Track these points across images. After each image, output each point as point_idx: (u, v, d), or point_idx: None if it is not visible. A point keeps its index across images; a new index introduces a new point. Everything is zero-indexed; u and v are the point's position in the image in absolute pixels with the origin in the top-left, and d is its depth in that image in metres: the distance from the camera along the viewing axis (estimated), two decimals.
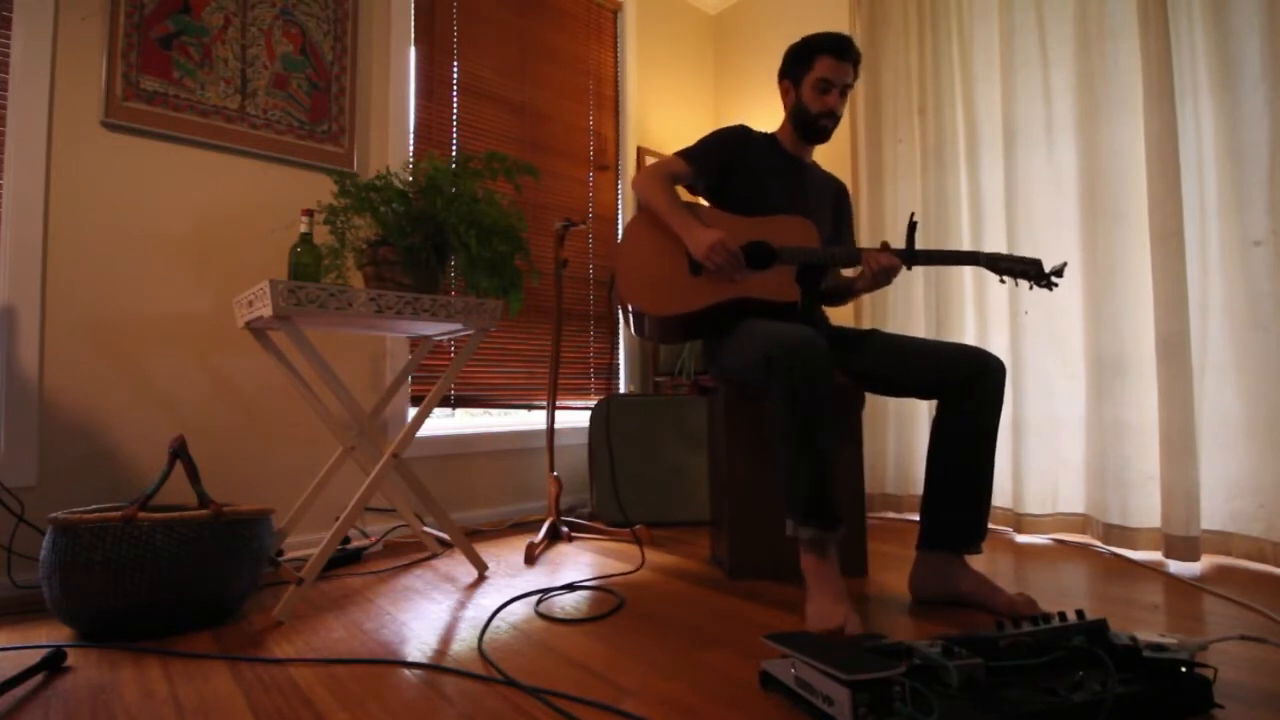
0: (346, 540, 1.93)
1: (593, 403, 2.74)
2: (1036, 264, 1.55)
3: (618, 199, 3.07)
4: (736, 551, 1.71)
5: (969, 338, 2.41)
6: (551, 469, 2.22)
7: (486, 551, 2.04)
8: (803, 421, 1.35)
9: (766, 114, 3.09)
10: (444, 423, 2.50)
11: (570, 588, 1.64)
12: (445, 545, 2.06)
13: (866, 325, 2.63)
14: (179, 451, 1.47)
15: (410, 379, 2.31)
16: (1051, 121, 2.21)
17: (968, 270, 2.42)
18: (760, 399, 1.74)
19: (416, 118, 2.43)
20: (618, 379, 3.02)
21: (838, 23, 2.79)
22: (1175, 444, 1.82)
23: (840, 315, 2.41)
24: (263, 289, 1.45)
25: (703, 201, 1.81)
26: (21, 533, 1.62)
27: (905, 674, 0.88)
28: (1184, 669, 0.94)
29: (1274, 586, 1.59)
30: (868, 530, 1.80)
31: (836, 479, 1.39)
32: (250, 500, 1.96)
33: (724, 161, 1.74)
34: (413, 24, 2.42)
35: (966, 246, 2.41)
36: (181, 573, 1.34)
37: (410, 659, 1.19)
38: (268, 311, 1.44)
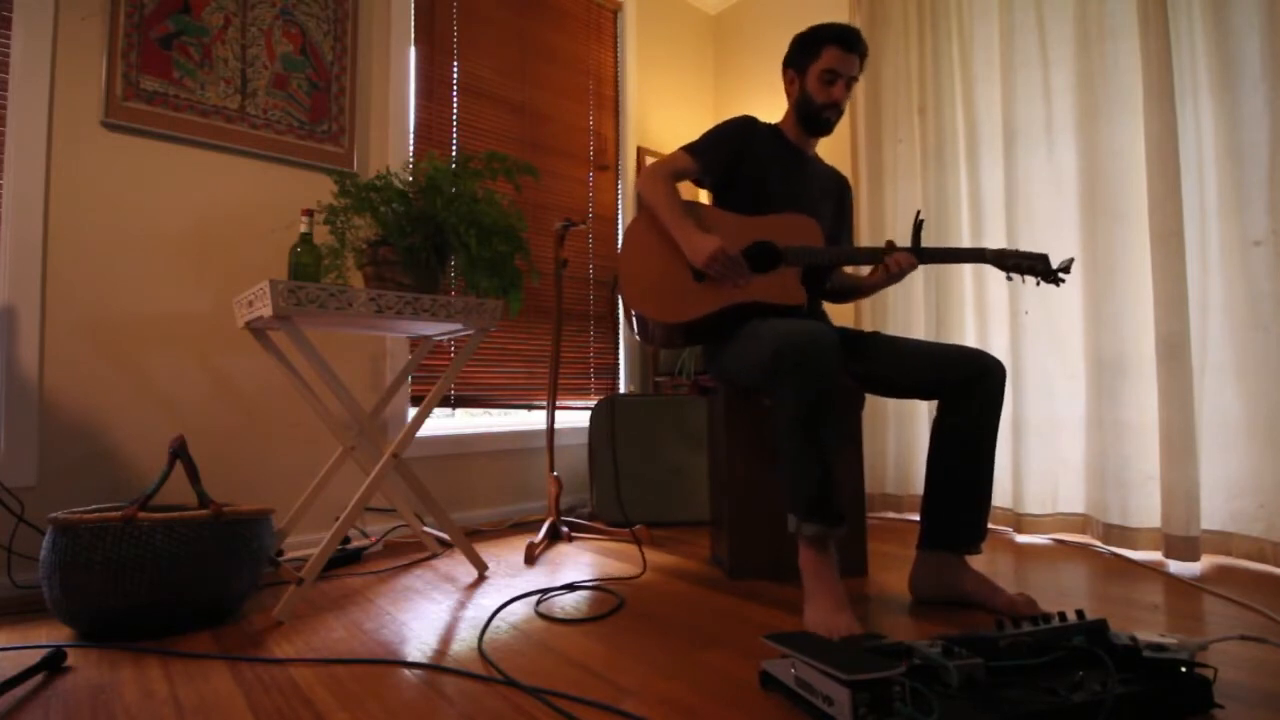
0: (346, 540, 1.93)
1: (593, 403, 2.74)
2: (1044, 259, 1.55)
3: (618, 199, 3.07)
4: (736, 551, 1.71)
5: (969, 338, 2.41)
6: (551, 469, 2.22)
7: (486, 551, 2.04)
8: (810, 416, 1.34)
9: (766, 114, 3.05)
10: (444, 423, 2.50)
11: (570, 588, 1.64)
12: (445, 545, 2.06)
13: (867, 326, 2.63)
14: (179, 451, 1.47)
15: (410, 379, 2.31)
16: (1051, 121, 2.21)
17: (968, 270, 2.42)
18: (762, 399, 1.74)
19: (416, 118, 2.43)
20: (618, 379, 3.02)
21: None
22: (1175, 444, 1.82)
23: (841, 316, 2.41)
24: (263, 289, 1.45)
25: (704, 197, 1.81)
26: (21, 533, 1.62)
27: (905, 674, 0.88)
28: (1184, 669, 0.94)
29: (1274, 586, 1.59)
30: (868, 530, 1.80)
31: (837, 478, 1.38)
32: (250, 500, 1.96)
33: (730, 154, 1.72)
34: (413, 24, 2.42)
35: (967, 246, 2.41)
36: (181, 573, 1.34)
37: (410, 659, 1.19)
38: (268, 311, 1.44)
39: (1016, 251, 1.57)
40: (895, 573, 1.75)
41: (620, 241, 2.64)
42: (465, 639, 1.30)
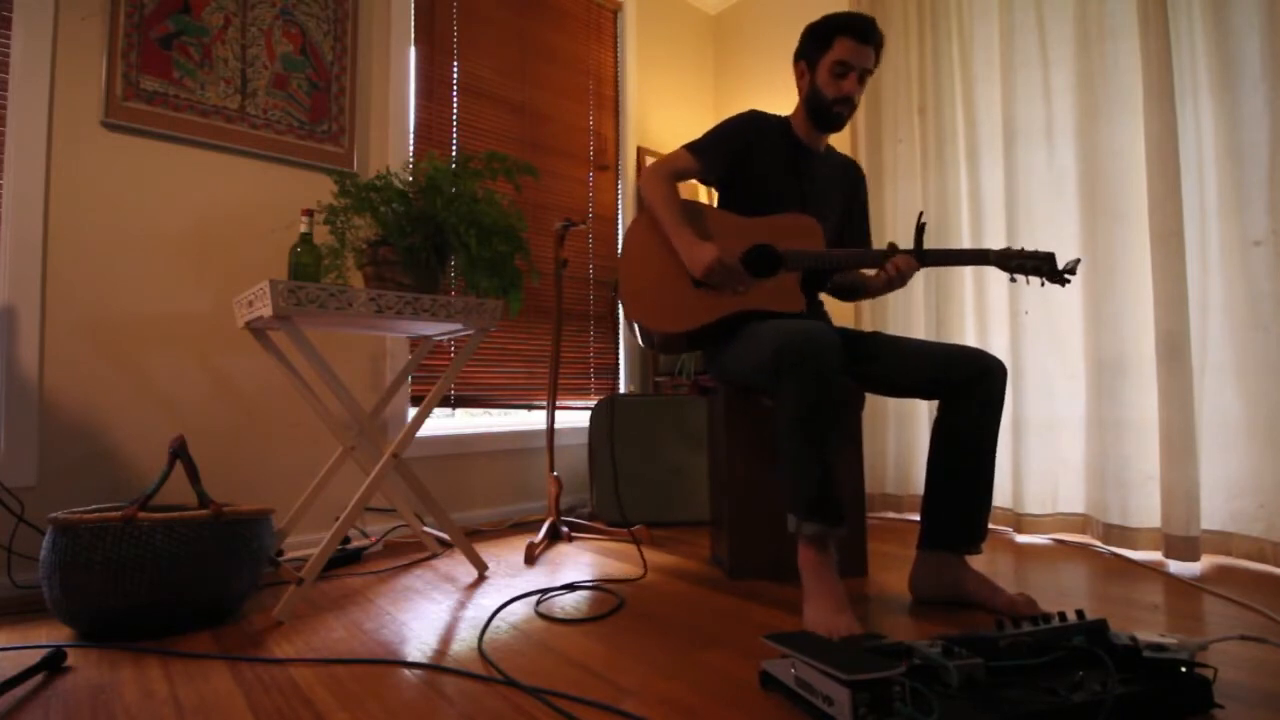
0: (346, 540, 1.93)
1: (593, 403, 2.74)
2: (1050, 258, 1.51)
3: (618, 199, 3.07)
4: (736, 551, 1.71)
5: (969, 338, 2.41)
6: (551, 469, 2.22)
7: (486, 551, 2.04)
8: (811, 416, 1.34)
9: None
10: (444, 423, 2.50)
11: (570, 588, 1.64)
12: (445, 545, 2.06)
13: (867, 327, 2.63)
14: (179, 451, 1.47)
15: (410, 379, 2.31)
16: (1051, 121, 2.21)
17: (968, 270, 2.42)
18: (762, 399, 1.74)
19: (416, 118, 2.43)
20: (618, 379, 3.02)
21: None
22: (1175, 444, 1.82)
23: (841, 316, 2.41)
24: (263, 289, 1.45)
25: (703, 194, 1.79)
26: (21, 533, 1.62)
27: (905, 674, 0.88)
28: (1184, 669, 0.94)
29: (1274, 586, 1.59)
30: (868, 530, 1.80)
31: (838, 477, 1.38)
32: (250, 500, 1.96)
33: (732, 153, 1.69)
34: (413, 24, 2.42)
35: (967, 247, 2.41)
36: (181, 573, 1.34)
37: (410, 659, 1.19)
38: (268, 311, 1.44)
39: (1021, 251, 1.53)
40: (895, 573, 1.75)
41: (621, 243, 2.64)
42: (465, 639, 1.30)
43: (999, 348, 2.31)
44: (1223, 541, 1.83)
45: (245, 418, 1.98)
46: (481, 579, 1.73)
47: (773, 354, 1.37)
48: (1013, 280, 1.61)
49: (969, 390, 1.48)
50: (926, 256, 1.58)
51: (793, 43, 1.73)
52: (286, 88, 2.09)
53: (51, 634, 1.36)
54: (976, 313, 2.40)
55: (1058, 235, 2.18)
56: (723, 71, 3.49)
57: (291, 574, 1.53)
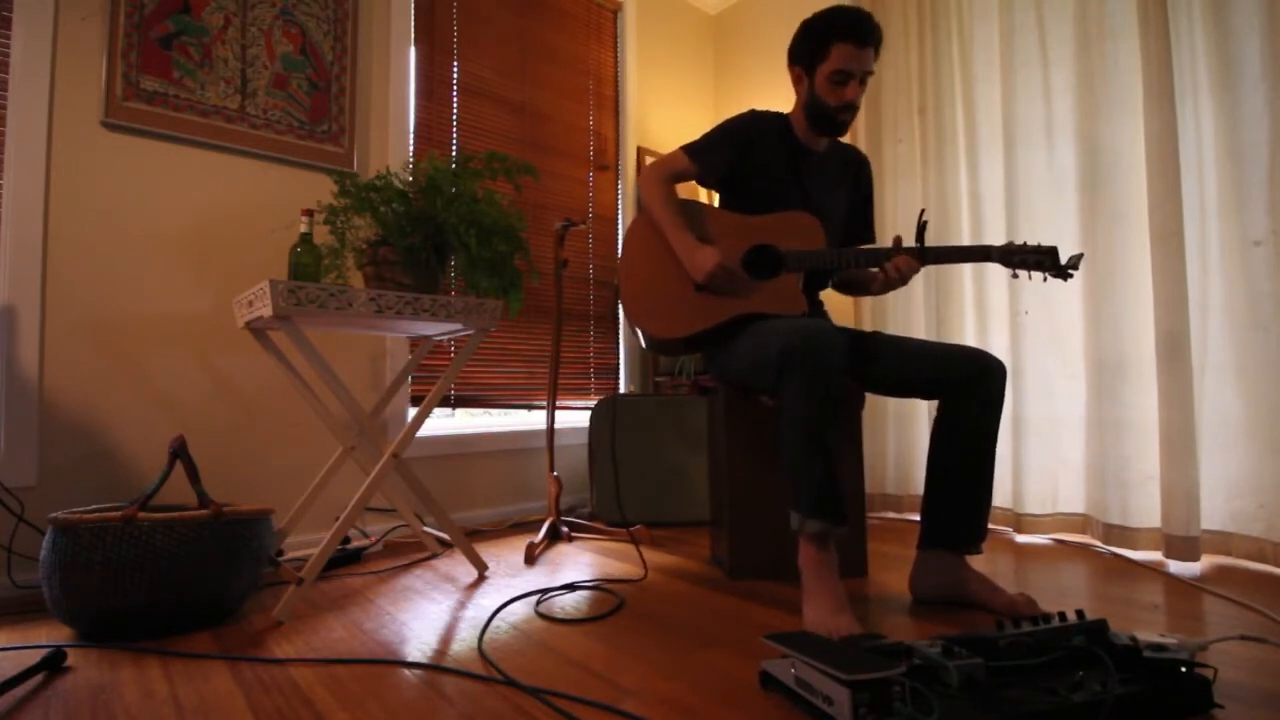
0: (346, 540, 1.93)
1: (593, 403, 2.74)
2: (1052, 253, 1.50)
3: (618, 199, 3.07)
4: (736, 551, 1.71)
5: (969, 338, 2.41)
6: (551, 469, 2.22)
7: (486, 551, 2.03)
8: (816, 414, 1.34)
9: None
10: (444, 423, 2.50)
11: (570, 588, 1.63)
12: (445, 545, 2.06)
13: (867, 326, 2.63)
14: (179, 451, 1.47)
15: (410, 379, 2.31)
16: (1051, 121, 2.21)
17: (968, 269, 2.42)
18: (763, 398, 1.74)
19: (416, 118, 2.43)
20: (618, 379, 3.02)
21: None
22: (1175, 444, 1.82)
23: (841, 316, 2.41)
24: (263, 289, 1.45)
25: (703, 194, 1.78)
26: (21, 533, 1.62)
27: (905, 674, 0.88)
28: (1184, 669, 0.94)
29: (1274, 586, 1.59)
30: (868, 530, 1.80)
31: (840, 475, 1.38)
32: (250, 500, 1.96)
33: (730, 156, 1.68)
34: (413, 24, 2.42)
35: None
36: (181, 573, 1.34)
37: (410, 659, 1.19)
38: (268, 311, 1.44)
39: (1024, 246, 1.51)
40: (895, 573, 1.75)
41: (621, 244, 2.64)
42: (465, 639, 1.30)
43: (999, 347, 2.31)
44: (1223, 541, 1.83)
45: (245, 418, 1.98)
46: (481, 579, 1.73)
47: (777, 352, 1.37)
48: (1014, 276, 1.59)
49: (969, 390, 1.48)
50: (929, 255, 1.56)
51: (806, 19, 1.63)
52: (286, 88, 2.09)
53: (51, 634, 1.36)
54: (976, 312, 2.40)
55: (1058, 235, 2.18)
56: (723, 71, 3.49)
57: (291, 574, 1.53)
